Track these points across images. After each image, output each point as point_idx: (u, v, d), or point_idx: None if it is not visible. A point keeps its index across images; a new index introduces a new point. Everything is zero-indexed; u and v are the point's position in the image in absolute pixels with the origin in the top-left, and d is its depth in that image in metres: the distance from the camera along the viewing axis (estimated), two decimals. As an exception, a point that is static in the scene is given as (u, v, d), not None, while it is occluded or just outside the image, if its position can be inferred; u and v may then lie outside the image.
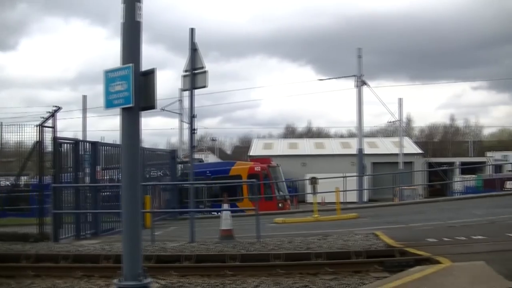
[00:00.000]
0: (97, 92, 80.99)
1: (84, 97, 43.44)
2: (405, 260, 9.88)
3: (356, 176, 27.98)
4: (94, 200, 17.64)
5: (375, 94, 45.86)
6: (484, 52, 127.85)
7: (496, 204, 20.77)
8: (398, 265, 9.59)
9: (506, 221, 15.19)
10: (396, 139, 53.34)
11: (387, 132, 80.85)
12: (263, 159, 35.98)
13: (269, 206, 27.29)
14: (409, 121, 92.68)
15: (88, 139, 27.56)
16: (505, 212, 17.51)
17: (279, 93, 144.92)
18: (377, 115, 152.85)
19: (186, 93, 15.73)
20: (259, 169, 30.21)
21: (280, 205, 29.60)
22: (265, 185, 29.61)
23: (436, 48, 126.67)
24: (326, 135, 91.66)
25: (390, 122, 52.01)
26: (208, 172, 30.09)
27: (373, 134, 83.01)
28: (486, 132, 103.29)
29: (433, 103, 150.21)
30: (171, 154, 26.24)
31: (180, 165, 28.35)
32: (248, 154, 57.87)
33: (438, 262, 9.20)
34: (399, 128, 51.49)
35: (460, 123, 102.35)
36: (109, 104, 6.56)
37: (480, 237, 12.14)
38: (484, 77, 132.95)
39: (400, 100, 48.52)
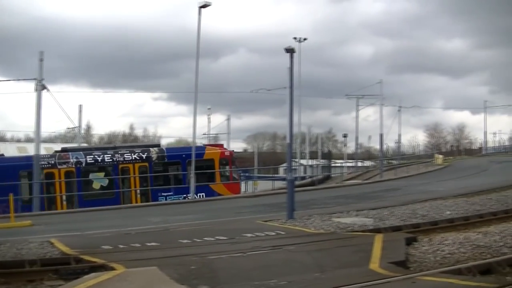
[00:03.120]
0: None
1: None
2: (80, 268, 9.98)
3: (32, 182, 27.03)
4: None
5: (55, 99, 44.52)
6: (165, 66, 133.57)
7: (173, 212, 21.91)
8: (73, 273, 9.64)
9: (179, 228, 16.12)
10: (75, 145, 52.87)
11: (66, 138, 79.42)
12: (216, 145, 39.48)
13: (234, 189, 31.96)
14: (89, 128, 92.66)
15: None
16: (180, 219, 18.62)
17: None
18: (58, 121, 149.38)
19: None
20: (228, 154, 33.28)
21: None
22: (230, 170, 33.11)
23: (120, 57, 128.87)
24: (2, 139, 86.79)
25: (69, 128, 51.28)
26: (184, 155, 31.66)
27: (52, 139, 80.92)
28: (164, 141, 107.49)
29: (114, 111, 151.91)
30: None
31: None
32: None
33: (113, 269, 9.44)
34: (78, 135, 51.17)
35: (139, 132, 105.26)
36: None
37: (154, 243, 12.73)
38: (164, 89, 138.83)
39: (80, 106, 48.39)
